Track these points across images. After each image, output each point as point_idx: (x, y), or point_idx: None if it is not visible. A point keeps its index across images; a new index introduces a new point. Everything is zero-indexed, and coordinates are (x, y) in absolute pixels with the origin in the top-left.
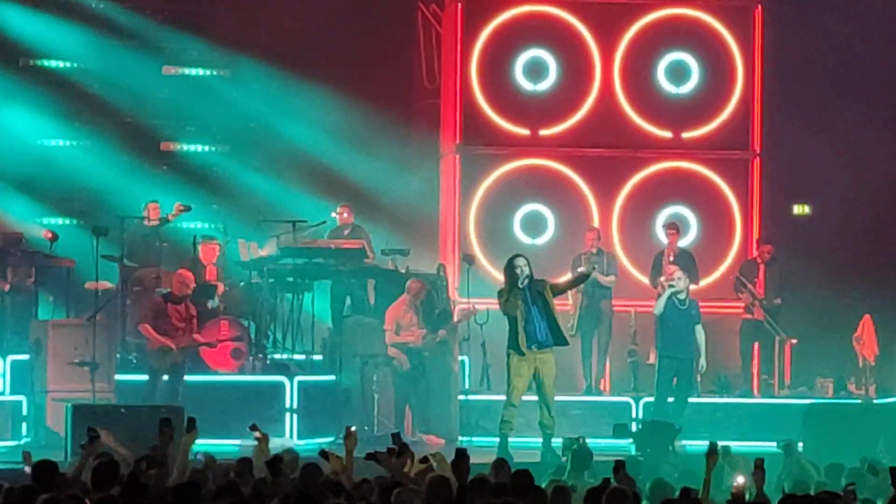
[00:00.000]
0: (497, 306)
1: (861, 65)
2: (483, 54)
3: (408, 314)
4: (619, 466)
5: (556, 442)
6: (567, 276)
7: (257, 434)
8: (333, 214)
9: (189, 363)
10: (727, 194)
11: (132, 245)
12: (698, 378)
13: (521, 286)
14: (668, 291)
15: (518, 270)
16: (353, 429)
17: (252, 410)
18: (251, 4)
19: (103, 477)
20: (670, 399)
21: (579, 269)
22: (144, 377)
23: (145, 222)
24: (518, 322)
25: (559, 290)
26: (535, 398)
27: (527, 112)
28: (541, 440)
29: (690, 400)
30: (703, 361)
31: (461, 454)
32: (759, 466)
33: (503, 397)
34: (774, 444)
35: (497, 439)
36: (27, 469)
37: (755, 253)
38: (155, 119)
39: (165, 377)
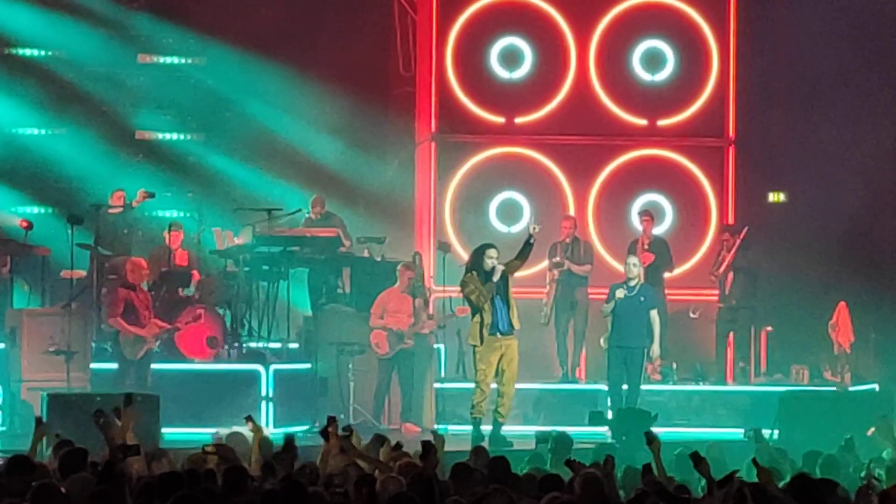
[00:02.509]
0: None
1: (837, 53)
2: (458, 42)
3: (397, 300)
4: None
5: (524, 432)
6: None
7: (251, 426)
8: (308, 214)
9: (164, 351)
10: (702, 182)
11: (98, 233)
12: (657, 363)
13: (494, 280)
14: (616, 296)
15: (490, 262)
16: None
17: (227, 399)
18: None
19: (71, 465)
20: (624, 386)
21: (528, 239)
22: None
23: (109, 210)
24: (484, 313)
25: (515, 267)
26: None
27: (502, 100)
28: (504, 428)
29: (666, 387)
30: (655, 347)
31: (427, 448)
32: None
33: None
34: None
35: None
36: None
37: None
38: (130, 107)
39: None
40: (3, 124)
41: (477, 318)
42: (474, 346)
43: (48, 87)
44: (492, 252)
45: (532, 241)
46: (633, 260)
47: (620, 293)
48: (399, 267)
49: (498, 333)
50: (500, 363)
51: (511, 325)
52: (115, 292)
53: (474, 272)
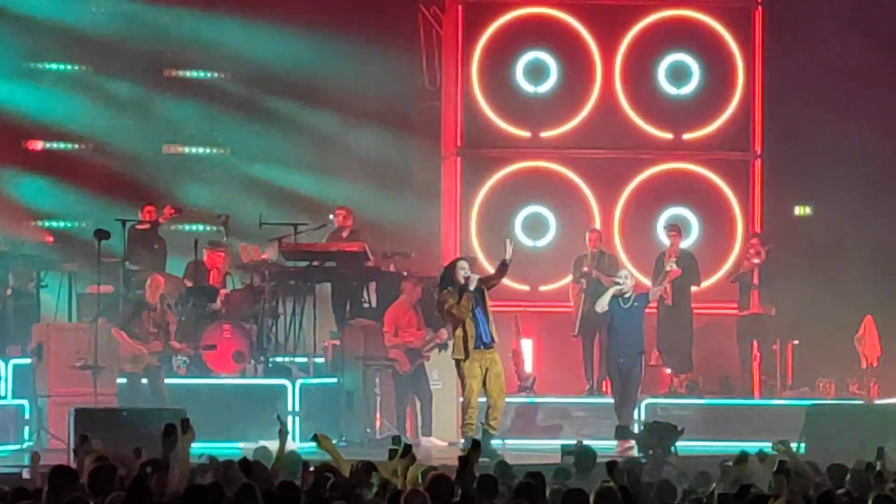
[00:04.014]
0: None
1: (861, 65)
2: (484, 56)
3: (406, 315)
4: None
5: (550, 446)
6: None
7: (281, 427)
8: (331, 216)
9: (192, 366)
10: (728, 195)
11: (128, 248)
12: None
13: (471, 289)
14: (613, 288)
15: (463, 272)
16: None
17: (254, 414)
18: (252, 10)
19: (101, 481)
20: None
21: (505, 257)
22: (144, 381)
23: (137, 226)
24: (467, 325)
25: (491, 284)
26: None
27: (528, 114)
28: (530, 441)
29: (693, 402)
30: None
31: (464, 461)
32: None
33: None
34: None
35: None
36: (25, 474)
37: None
38: (156, 121)
39: (144, 380)
40: (32, 138)
41: (460, 331)
42: (459, 361)
43: (76, 100)
44: (462, 264)
45: (508, 262)
46: (623, 273)
47: (614, 287)
48: (407, 282)
49: (482, 346)
50: (486, 377)
51: (492, 337)
52: (126, 304)
53: (449, 288)
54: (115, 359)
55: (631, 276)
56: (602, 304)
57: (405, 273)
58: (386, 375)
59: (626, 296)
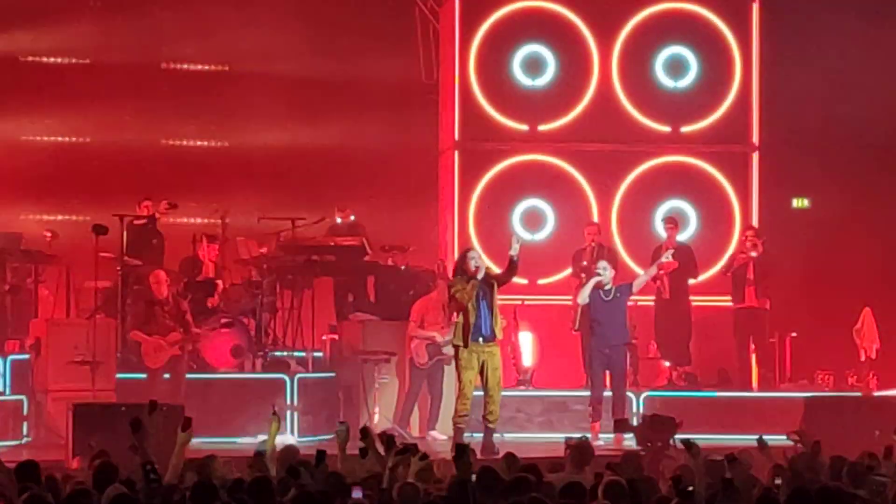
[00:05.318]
0: None
1: (859, 57)
2: (481, 50)
3: (434, 310)
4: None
5: (549, 438)
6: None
7: (273, 419)
8: (339, 219)
9: (190, 361)
10: (726, 188)
11: (127, 242)
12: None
13: (479, 278)
14: (593, 280)
15: (473, 262)
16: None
17: (252, 408)
18: (251, 1)
19: (104, 477)
20: (607, 394)
21: (510, 254)
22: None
23: (135, 221)
24: (469, 314)
25: (501, 281)
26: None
27: (525, 107)
28: (529, 434)
29: (692, 394)
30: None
31: (462, 450)
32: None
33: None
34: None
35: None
36: None
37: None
38: (154, 114)
39: (167, 375)
40: (29, 132)
41: (461, 318)
42: (458, 348)
43: (73, 94)
44: (472, 254)
45: (516, 259)
46: (602, 264)
47: (594, 280)
48: (441, 279)
49: (480, 339)
50: (485, 371)
51: (493, 332)
52: (136, 306)
53: (460, 276)
54: (114, 354)
55: (610, 267)
56: (583, 297)
57: (410, 268)
58: (385, 369)
59: (607, 287)
